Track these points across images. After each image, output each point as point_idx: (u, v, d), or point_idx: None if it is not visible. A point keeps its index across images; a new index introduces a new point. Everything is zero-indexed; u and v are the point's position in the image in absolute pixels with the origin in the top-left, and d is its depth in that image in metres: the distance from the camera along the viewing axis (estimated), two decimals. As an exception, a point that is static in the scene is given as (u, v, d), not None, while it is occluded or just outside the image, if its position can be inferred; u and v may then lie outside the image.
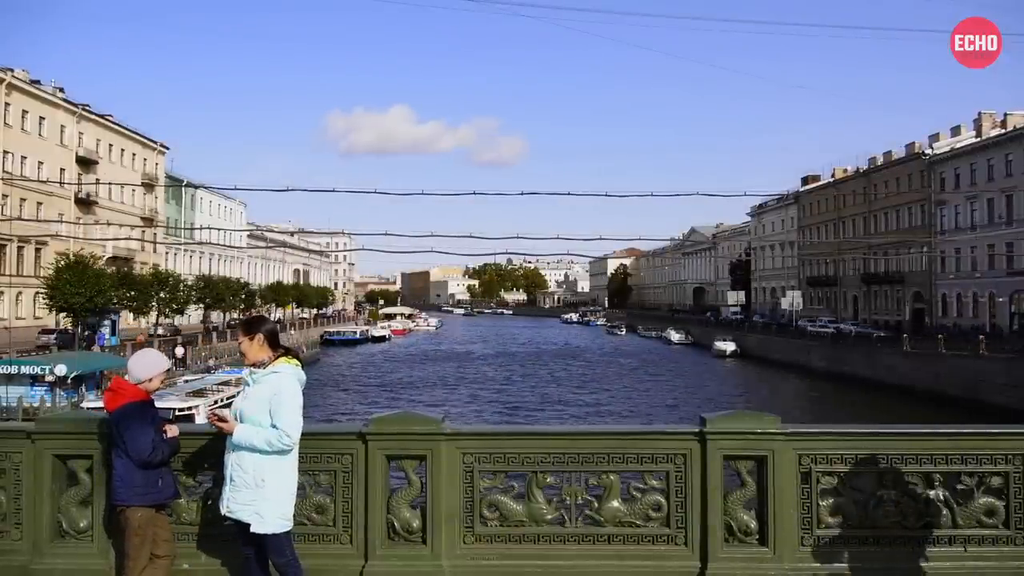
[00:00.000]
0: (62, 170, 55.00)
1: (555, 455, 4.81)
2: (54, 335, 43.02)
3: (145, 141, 69.81)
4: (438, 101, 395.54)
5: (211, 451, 4.74)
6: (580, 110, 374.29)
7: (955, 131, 61.92)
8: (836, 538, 4.70)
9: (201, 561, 4.78)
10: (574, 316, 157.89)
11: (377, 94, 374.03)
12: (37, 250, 51.89)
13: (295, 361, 4.40)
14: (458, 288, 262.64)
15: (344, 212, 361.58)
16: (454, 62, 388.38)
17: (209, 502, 4.78)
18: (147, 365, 4.58)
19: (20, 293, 50.04)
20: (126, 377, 4.62)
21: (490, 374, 55.60)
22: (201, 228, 72.44)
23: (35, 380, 28.90)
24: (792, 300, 68.81)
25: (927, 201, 60.05)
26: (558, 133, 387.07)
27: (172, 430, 4.59)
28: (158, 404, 5.21)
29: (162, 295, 51.54)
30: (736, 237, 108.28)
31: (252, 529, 4.23)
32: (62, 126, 56.56)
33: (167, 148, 73.96)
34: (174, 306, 53.64)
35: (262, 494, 4.23)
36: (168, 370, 4.80)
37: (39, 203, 51.78)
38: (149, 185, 66.39)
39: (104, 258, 49.79)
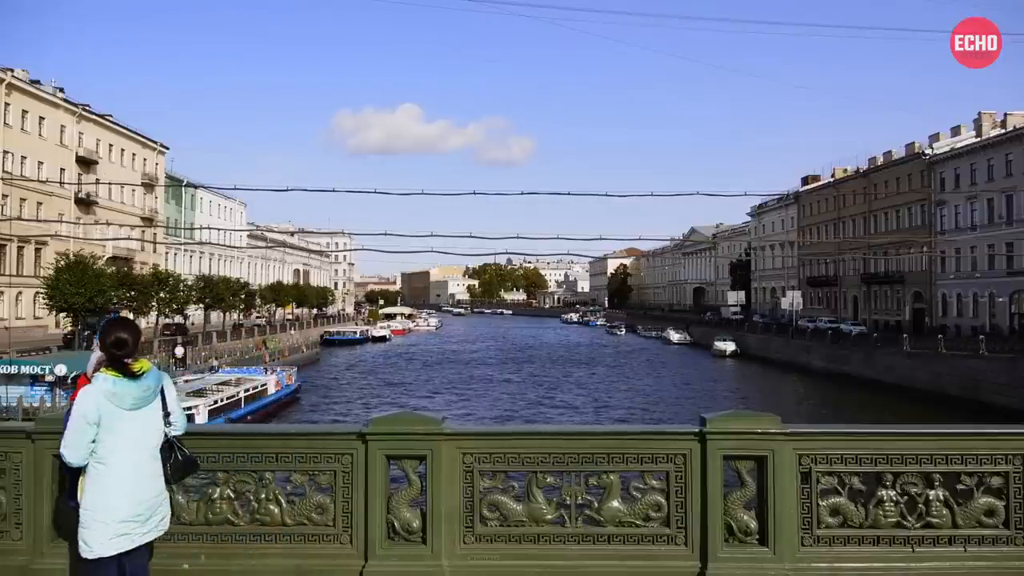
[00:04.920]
0: (62, 170, 54.95)
1: (555, 455, 4.80)
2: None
3: (145, 141, 69.72)
4: (446, 100, 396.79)
5: (210, 451, 4.75)
6: (586, 110, 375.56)
7: (955, 131, 61.90)
8: (836, 538, 4.69)
9: (201, 561, 4.77)
10: (574, 316, 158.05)
11: (386, 93, 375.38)
12: (37, 250, 51.85)
13: (115, 373, 3.87)
14: (458, 288, 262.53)
15: (344, 212, 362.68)
16: (462, 62, 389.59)
17: (209, 502, 4.79)
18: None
19: (20, 293, 50.01)
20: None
21: (491, 373, 55.64)
22: (201, 228, 72.40)
23: (35, 380, 28.89)
24: (792, 300, 68.80)
25: (927, 201, 60.05)
26: (564, 133, 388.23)
27: None
28: None
29: (162, 295, 51.54)
30: (736, 237, 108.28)
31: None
32: (62, 126, 56.51)
33: (167, 148, 73.87)
34: (174, 306, 53.65)
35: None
36: None
37: (39, 203, 51.73)
38: (149, 185, 66.34)
39: (104, 258, 49.72)
